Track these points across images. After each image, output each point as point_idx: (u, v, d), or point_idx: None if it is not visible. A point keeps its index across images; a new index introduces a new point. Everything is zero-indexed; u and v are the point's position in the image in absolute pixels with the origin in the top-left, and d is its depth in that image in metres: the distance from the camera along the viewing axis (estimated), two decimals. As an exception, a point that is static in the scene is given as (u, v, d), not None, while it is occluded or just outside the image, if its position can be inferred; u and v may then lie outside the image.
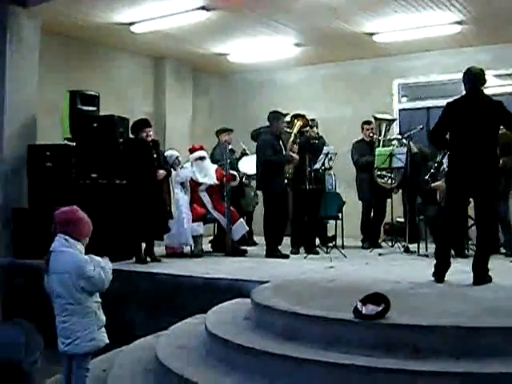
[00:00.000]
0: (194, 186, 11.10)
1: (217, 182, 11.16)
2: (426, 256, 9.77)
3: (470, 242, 9.89)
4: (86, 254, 5.35)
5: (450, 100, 7.48)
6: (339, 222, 11.65)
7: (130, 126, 10.32)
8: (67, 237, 5.27)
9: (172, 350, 5.67)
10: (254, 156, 11.00)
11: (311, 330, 5.03)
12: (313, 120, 11.48)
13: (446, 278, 7.12)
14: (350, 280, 7.56)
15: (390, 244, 11.70)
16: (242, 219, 11.33)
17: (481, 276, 6.96)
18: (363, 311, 4.86)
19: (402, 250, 10.70)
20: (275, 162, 10.43)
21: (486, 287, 6.77)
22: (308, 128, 11.12)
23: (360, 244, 11.83)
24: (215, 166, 11.39)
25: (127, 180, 10.01)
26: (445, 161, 9.26)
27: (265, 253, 10.51)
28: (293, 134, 10.81)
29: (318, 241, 11.33)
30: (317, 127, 11.59)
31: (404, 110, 14.34)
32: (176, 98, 14.97)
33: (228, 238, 10.99)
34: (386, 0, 10.56)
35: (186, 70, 15.19)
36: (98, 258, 5.37)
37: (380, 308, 4.87)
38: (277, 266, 9.52)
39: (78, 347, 5.19)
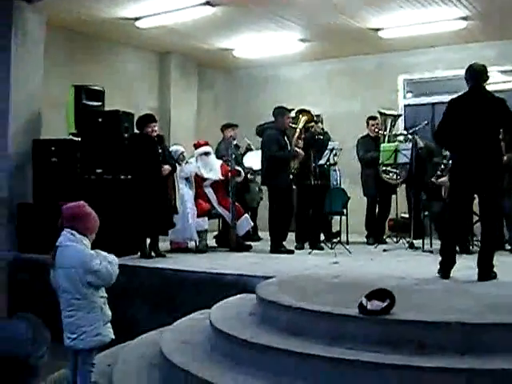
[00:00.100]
0: (198, 181, 11.10)
1: (222, 177, 11.15)
2: (431, 252, 9.76)
3: (474, 239, 9.87)
4: (92, 249, 5.35)
5: (453, 97, 7.48)
6: (344, 217, 11.63)
7: (135, 121, 10.30)
8: (74, 231, 5.28)
9: (177, 345, 5.68)
10: (259, 151, 11.00)
11: (316, 326, 5.03)
12: (318, 115, 11.49)
13: (451, 275, 7.12)
14: (355, 276, 7.55)
15: (395, 240, 11.68)
16: (246, 215, 11.30)
17: (486, 272, 6.96)
18: (368, 307, 4.86)
19: (407, 245, 10.69)
20: (280, 158, 10.43)
21: (490, 283, 6.77)
22: (313, 123, 11.11)
23: (365, 240, 11.81)
24: (220, 162, 11.38)
25: (132, 175, 10.01)
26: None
27: (269, 248, 10.50)
28: (298, 130, 10.81)
29: (322, 236, 11.32)
30: (322, 123, 11.59)
31: (409, 105, 14.33)
32: (181, 93, 14.97)
33: (233, 233, 10.98)
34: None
35: (190, 65, 15.19)
36: (105, 253, 5.38)
37: (385, 304, 4.87)
38: (281, 261, 9.52)
39: (83, 342, 5.20)
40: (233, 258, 9.98)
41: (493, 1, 10.61)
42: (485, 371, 4.30)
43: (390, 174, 11.41)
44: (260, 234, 12.45)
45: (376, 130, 11.78)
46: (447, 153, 9.78)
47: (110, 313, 5.41)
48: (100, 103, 11.10)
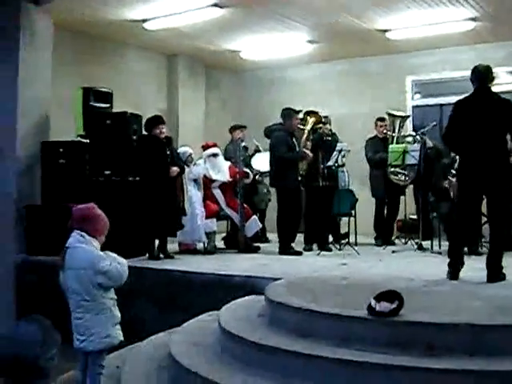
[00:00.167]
0: (207, 182, 11.11)
1: (230, 178, 11.15)
2: (440, 253, 9.75)
3: (483, 240, 9.85)
4: (101, 251, 5.36)
5: (459, 99, 7.48)
6: (352, 218, 11.61)
7: (144, 122, 10.32)
8: (83, 233, 5.29)
9: (186, 347, 5.68)
10: (267, 153, 11.00)
11: (325, 327, 5.03)
12: (326, 117, 11.46)
13: (460, 276, 7.12)
14: (364, 277, 7.55)
15: (403, 241, 11.68)
16: (255, 216, 11.31)
17: (495, 273, 6.96)
18: (377, 308, 4.86)
19: (416, 247, 10.68)
20: (289, 159, 10.42)
21: (499, 285, 6.77)
22: (321, 125, 11.12)
23: (373, 241, 11.81)
24: (228, 163, 11.39)
25: (140, 177, 10.03)
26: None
27: (278, 250, 10.49)
28: (306, 131, 10.80)
29: (331, 238, 11.31)
30: (330, 124, 11.57)
31: (417, 106, 14.32)
32: (189, 95, 15.00)
33: (241, 234, 10.98)
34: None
35: (198, 66, 15.22)
36: (114, 254, 5.39)
37: (394, 305, 4.86)
38: (290, 262, 9.51)
39: (92, 344, 5.21)
40: (241, 260, 9.97)
41: (501, 2, 10.59)
42: (494, 372, 4.29)
43: (399, 175, 11.40)
44: (268, 235, 12.45)
45: (384, 131, 11.77)
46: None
47: (119, 314, 5.41)
48: (108, 105, 11.12)
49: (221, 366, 5.08)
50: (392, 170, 11.29)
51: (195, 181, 10.97)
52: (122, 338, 5.42)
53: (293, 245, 10.54)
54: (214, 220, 10.97)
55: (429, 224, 10.90)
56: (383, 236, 11.68)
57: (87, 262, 5.18)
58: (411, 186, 11.56)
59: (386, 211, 11.94)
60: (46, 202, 10.59)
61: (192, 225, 10.53)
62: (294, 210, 10.48)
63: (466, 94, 7.43)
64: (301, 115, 11.05)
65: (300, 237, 11.02)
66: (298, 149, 10.54)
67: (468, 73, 7.46)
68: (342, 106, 14.41)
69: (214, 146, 11.41)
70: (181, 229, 10.25)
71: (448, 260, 7.25)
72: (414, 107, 14.30)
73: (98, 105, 10.94)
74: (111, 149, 10.46)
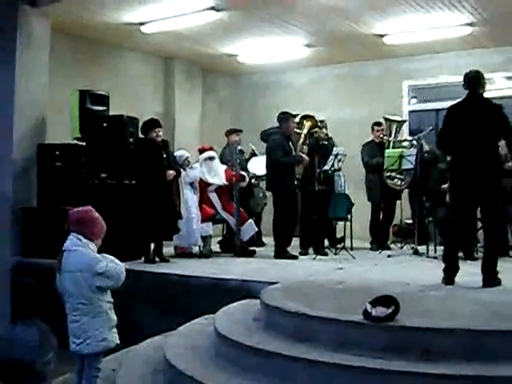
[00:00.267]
0: (203, 186, 11.10)
1: (226, 182, 11.15)
2: (435, 258, 9.76)
3: (478, 245, 9.86)
4: (98, 253, 5.36)
5: (451, 104, 7.53)
6: (348, 223, 11.62)
7: (140, 125, 10.31)
8: (80, 236, 5.28)
9: (181, 351, 5.67)
10: (263, 157, 11.01)
11: (321, 332, 5.02)
12: (322, 121, 11.49)
13: (455, 281, 7.12)
14: (359, 282, 7.55)
15: (399, 246, 11.69)
16: (251, 220, 11.30)
17: (490, 278, 6.97)
18: (373, 313, 4.86)
19: (411, 251, 10.69)
20: (285, 163, 10.42)
21: (495, 290, 6.78)
22: (317, 129, 11.13)
23: (369, 245, 11.81)
24: (224, 167, 11.39)
25: (137, 180, 10.02)
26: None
27: (273, 254, 10.49)
28: (302, 135, 10.82)
29: (326, 242, 11.30)
30: (326, 128, 11.59)
31: (414, 111, 14.32)
32: (186, 98, 15.00)
33: (237, 238, 10.98)
34: (396, 1, 10.54)
35: (195, 70, 15.23)
36: (111, 257, 5.38)
37: (390, 310, 4.86)
38: (286, 266, 9.51)
39: (88, 347, 5.20)
40: (237, 264, 9.97)
41: (498, 7, 10.59)
42: (490, 378, 4.29)
43: (395, 180, 11.40)
44: (264, 239, 12.44)
45: (381, 135, 11.79)
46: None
47: (115, 318, 5.40)
48: (105, 108, 11.12)
49: (216, 370, 5.07)
50: (388, 174, 11.30)
51: (191, 184, 10.97)
52: (117, 342, 5.40)
53: (289, 249, 10.54)
54: (210, 224, 10.97)
55: (424, 229, 10.91)
56: (379, 240, 11.68)
57: (84, 265, 5.17)
58: (407, 191, 11.57)
59: (381, 216, 11.93)
60: (42, 205, 10.60)
61: (188, 228, 10.53)
62: (290, 213, 10.48)
63: (459, 100, 7.48)
64: (297, 119, 11.05)
65: (296, 241, 11.02)
66: (294, 153, 10.54)
67: (465, 78, 7.50)
68: (338, 110, 14.43)
69: (211, 149, 11.40)
70: (177, 233, 10.25)
71: (443, 265, 7.25)
72: (410, 112, 14.29)
73: (94, 107, 10.94)
74: (107, 152, 10.46)
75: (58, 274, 5.32)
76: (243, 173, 11.35)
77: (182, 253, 10.90)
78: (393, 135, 11.77)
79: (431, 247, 10.42)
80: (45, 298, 7.58)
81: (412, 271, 8.79)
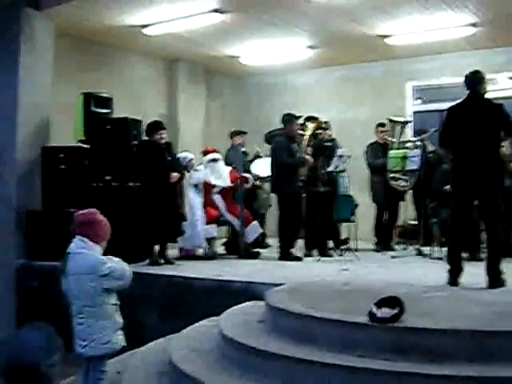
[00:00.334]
0: (207, 188, 11.10)
1: (230, 184, 11.14)
2: (440, 259, 9.71)
3: (481, 246, 9.84)
4: (104, 255, 5.36)
5: (452, 104, 7.54)
6: (352, 224, 11.60)
7: (144, 128, 10.32)
8: (85, 239, 5.28)
9: (186, 353, 5.67)
10: (267, 158, 11.01)
11: (326, 333, 5.02)
12: (326, 122, 11.48)
13: (460, 282, 7.12)
14: (364, 283, 7.54)
15: (403, 247, 11.67)
16: (255, 221, 11.28)
17: (494, 279, 6.97)
18: (378, 314, 4.85)
19: (415, 252, 10.68)
20: (290, 165, 10.42)
21: (500, 291, 6.77)
22: (321, 130, 11.12)
23: (373, 247, 11.81)
24: (229, 169, 11.37)
25: (141, 182, 10.02)
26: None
27: (278, 255, 10.49)
28: (306, 137, 10.80)
29: (331, 243, 11.30)
30: (330, 129, 11.59)
31: (418, 112, 14.30)
32: (189, 100, 15.00)
33: (241, 240, 10.98)
34: (399, 2, 10.55)
35: (199, 72, 15.23)
36: (117, 259, 5.38)
37: (394, 311, 4.86)
38: (290, 268, 9.52)
39: (93, 349, 5.19)
40: (241, 265, 9.96)
41: (502, 7, 10.60)
42: (494, 379, 4.28)
43: (399, 181, 11.38)
44: (268, 241, 12.44)
45: (385, 136, 11.77)
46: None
47: (121, 320, 5.38)
48: (108, 110, 11.13)
49: (221, 372, 5.07)
50: (392, 175, 11.27)
51: (195, 186, 10.97)
52: (123, 344, 5.38)
53: (293, 250, 10.54)
54: (215, 226, 10.97)
55: (429, 230, 10.89)
56: (383, 241, 11.68)
57: (89, 268, 5.17)
58: (411, 192, 11.56)
59: (386, 217, 11.92)
60: (47, 208, 10.59)
61: (192, 230, 10.54)
62: (294, 215, 10.47)
63: (459, 100, 7.48)
64: (301, 121, 11.04)
65: (300, 242, 11.01)
66: (298, 154, 10.54)
67: (468, 79, 7.50)
68: (342, 111, 14.43)
69: (214, 151, 11.40)
70: (181, 235, 10.25)
71: (448, 267, 7.25)
72: (414, 113, 14.28)
73: (98, 110, 10.95)
74: (111, 154, 10.48)
75: (62, 277, 5.32)
76: (247, 175, 11.34)
77: (187, 255, 10.90)
78: (397, 136, 11.74)
79: (435, 248, 10.39)
80: (50, 300, 7.58)
81: (416, 272, 8.79)
